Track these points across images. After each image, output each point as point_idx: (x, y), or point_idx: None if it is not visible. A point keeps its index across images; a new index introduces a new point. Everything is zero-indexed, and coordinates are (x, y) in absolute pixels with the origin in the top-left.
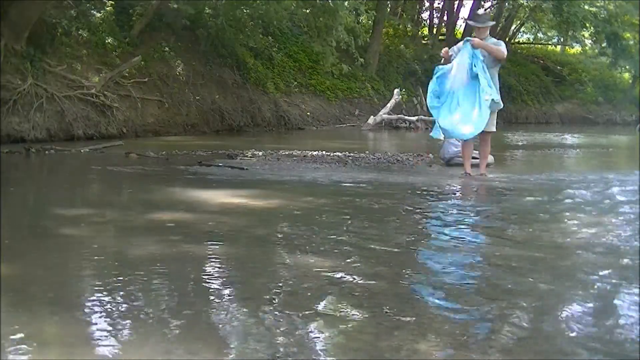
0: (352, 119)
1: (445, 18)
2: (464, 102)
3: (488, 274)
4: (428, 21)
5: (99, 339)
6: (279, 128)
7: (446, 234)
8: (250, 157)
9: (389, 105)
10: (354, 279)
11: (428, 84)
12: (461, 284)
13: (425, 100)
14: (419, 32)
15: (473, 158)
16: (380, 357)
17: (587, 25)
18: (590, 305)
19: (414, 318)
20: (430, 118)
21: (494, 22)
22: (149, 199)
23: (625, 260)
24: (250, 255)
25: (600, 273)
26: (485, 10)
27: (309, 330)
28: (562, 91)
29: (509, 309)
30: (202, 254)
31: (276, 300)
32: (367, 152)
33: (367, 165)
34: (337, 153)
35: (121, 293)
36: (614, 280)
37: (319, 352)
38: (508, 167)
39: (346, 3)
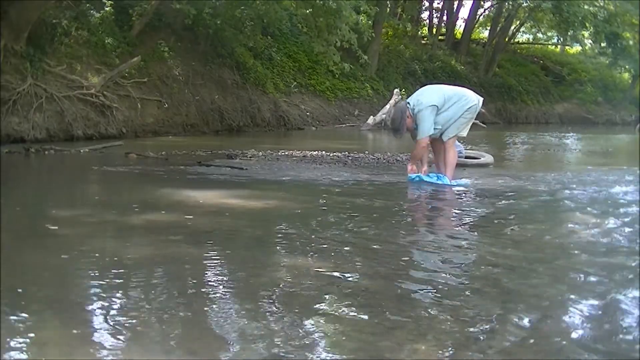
0: (351, 119)
1: (445, 18)
2: None
3: (488, 274)
4: (428, 21)
5: (99, 339)
6: (279, 128)
7: (446, 234)
8: (250, 157)
9: (388, 105)
10: (354, 279)
11: (427, 84)
12: (461, 284)
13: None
14: (419, 32)
15: (469, 158)
16: (380, 357)
17: (587, 25)
18: (590, 305)
19: (413, 318)
20: None
21: (404, 106)
22: (148, 199)
23: (625, 260)
24: (250, 256)
25: (600, 273)
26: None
27: (309, 330)
28: (561, 91)
29: (509, 309)
30: (202, 254)
31: (276, 300)
32: (366, 152)
33: (366, 165)
34: (337, 153)
35: (121, 293)
36: (614, 280)
37: (319, 352)
38: (507, 167)
39: (348, 3)
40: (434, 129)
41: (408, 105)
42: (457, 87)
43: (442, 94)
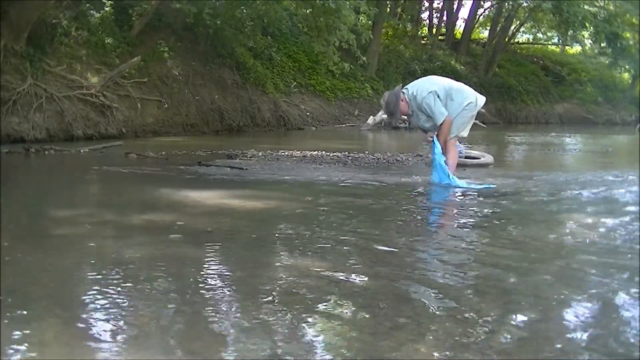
0: (351, 119)
1: (445, 18)
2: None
3: (488, 274)
4: (428, 21)
5: (99, 339)
6: (279, 128)
7: (446, 234)
8: (250, 157)
9: None
10: (354, 279)
11: None
12: (461, 284)
13: None
14: (419, 32)
15: (469, 158)
16: (380, 357)
17: (587, 25)
18: (590, 305)
19: (413, 318)
20: None
21: (399, 91)
22: (148, 199)
23: (625, 261)
24: (250, 256)
25: (600, 273)
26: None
27: (309, 330)
28: (561, 91)
29: (509, 309)
30: (202, 254)
31: (276, 300)
32: (366, 152)
33: (366, 165)
34: (337, 153)
35: (121, 293)
36: (614, 280)
37: (319, 352)
38: (507, 167)
39: (347, 3)
40: (432, 125)
41: (406, 90)
42: (458, 82)
43: (442, 85)
